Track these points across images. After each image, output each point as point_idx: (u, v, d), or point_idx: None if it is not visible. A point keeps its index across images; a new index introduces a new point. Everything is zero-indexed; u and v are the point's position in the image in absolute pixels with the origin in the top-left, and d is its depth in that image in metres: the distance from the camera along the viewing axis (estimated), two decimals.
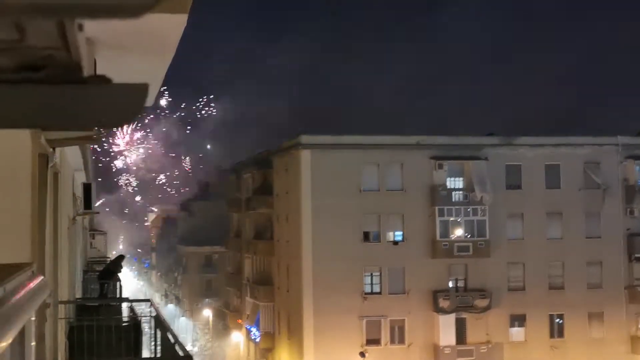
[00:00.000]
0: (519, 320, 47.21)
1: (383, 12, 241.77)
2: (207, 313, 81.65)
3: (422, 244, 46.12)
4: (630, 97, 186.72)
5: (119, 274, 22.30)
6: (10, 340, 2.18)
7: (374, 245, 46.03)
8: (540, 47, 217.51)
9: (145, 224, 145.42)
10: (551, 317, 47.48)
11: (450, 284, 46.81)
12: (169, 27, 5.28)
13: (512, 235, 47.24)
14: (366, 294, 45.82)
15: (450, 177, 46.89)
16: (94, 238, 44.21)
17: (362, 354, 44.56)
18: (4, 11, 1.45)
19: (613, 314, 47.61)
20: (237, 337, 64.11)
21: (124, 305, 17.99)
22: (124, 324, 14.94)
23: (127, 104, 1.99)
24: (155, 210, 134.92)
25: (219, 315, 76.83)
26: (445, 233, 46.27)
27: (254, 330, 55.71)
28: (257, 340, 54.54)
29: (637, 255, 48.25)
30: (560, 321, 47.65)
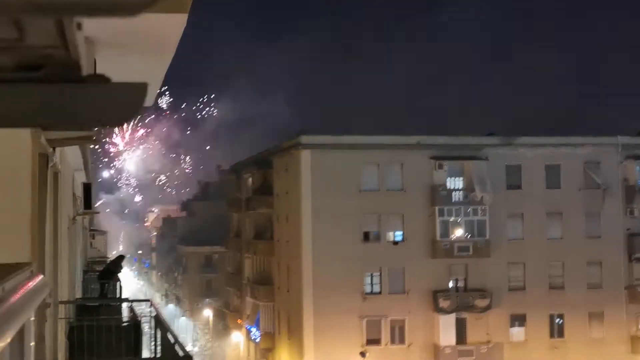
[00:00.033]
0: (519, 320, 47.22)
1: (383, 12, 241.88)
2: (207, 313, 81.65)
3: (422, 244, 46.12)
4: (630, 97, 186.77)
5: (119, 274, 22.29)
6: (9, 340, 2.18)
7: (374, 245, 46.03)
8: (540, 47, 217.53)
9: (146, 224, 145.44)
10: (551, 317, 47.49)
11: (451, 284, 46.82)
12: (168, 27, 5.28)
13: (512, 235, 47.24)
14: (366, 294, 45.82)
15: (451, 177, 46.89)
16: (94, 238, 44.22)
17: (363, 354, 44.56)
18: (3, 9, 1.45)
19: (613, 314, 47.61)
20: (237, 337, 64.11)
21: (124, 305, 17.99)
22: (124, 324, 14.94)
23: (126, 103, 1.99)
24: (156, 210, 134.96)
25: (219, 315, 76.82)
26: (446, 233, 46.27)
27: (254, 330, 55.70)
28: (257, 340, 54.54)
29: (637, 255, 48.25)
30: (561, 321, 47.66)
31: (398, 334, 45.87)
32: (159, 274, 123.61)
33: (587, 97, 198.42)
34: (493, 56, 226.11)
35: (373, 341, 45.47)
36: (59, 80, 1.93)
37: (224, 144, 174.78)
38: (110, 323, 13.98)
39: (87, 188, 20.63)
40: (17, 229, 7.10)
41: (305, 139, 46.43)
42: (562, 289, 47.55)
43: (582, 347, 47.09)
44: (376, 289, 46.11)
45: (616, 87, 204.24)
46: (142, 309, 16.24)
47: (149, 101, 10.94)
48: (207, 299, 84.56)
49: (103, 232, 51.12)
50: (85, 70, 2.17)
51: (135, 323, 14.75)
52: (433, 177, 46.39)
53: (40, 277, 3.16)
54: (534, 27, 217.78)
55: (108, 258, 37.73)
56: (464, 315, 46.15)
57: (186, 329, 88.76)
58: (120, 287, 22.52)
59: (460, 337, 46.15)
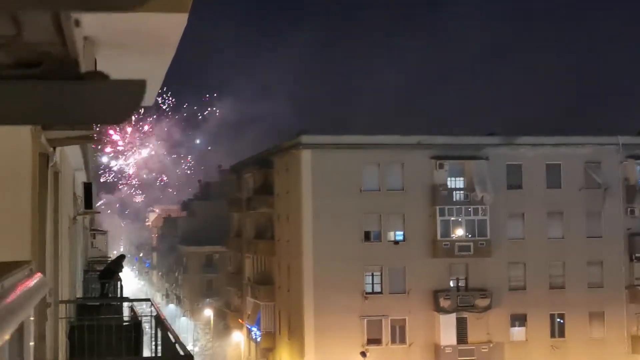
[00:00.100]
0: (519, 319, 47.21)
1: (383, 12, 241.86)
2: (208, 313, 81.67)
3: (422, 244, 46.12)
4: (630, 97, 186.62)
5: (120, 274, 22.30)
6: (7, 337, 2.18)
7: (374, 245, 46.04)
8: (540, 47, 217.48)
9: (146, 223, 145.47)
10: (552, 316, 47.48)
11: (451, 284, 46.81)
12: (169, 27, 5.28)
13: (512, 235, 47.24)
14: (367, 293, 45.82)
15: (451, 176, 46.90)
16: (94, 238, 44.19)
17: (363, 354, 44.55)
18: (1, 4, 1.44)
19: (614, 314, 47.60)
20: (237, 337, 64.12)
21: (125, 304, 18.01)
22: (124, 324, 14.94)
23: (124, 100, 1.98)
24: (156, 210, 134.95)
25: (220, 315, 76.85)
26: (446, 233, 46.28)
27: (254, 330, 55.71)
28: (258, 340, 54.55)
29: (637, 254, 48.24)
30: (561, 321, 47.65)
31: (399, 334, 45.88)
32: (160, 273, 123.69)
33: (587, 97, 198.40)
34: (493, 56, 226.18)
35: (374, 341, 45.48)
36: (57, 77, 1.92)
37: (225, 144, 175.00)
38: (111, 323, 13.99)
39: (87, 188, 20.63)
40: (18, 228, 7.10)
41: (305, 138, 46.44)
42: (563, 289, 47.54)
43: (582, 347, 47.09)
44: (377, 288, 46.11)
45: (616, 87, 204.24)
46: (142, 308, 16.28)
47: (149, 101, 10.94)
48: (208, 299, 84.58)
49: (104, 232, 51.10)
50: (84, 68, 2.17)
51: (136, 323, 14.76)
52: (434, 177, 46.40)
53: (39, 275, 3.16)
54: (534, 27, 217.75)
55: (109, 258, 37.73)
56: (465, 315, 46.15)
57: (187, 329, 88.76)
58: (121, 286, 22.54)
59: (461, 337, 46.15)
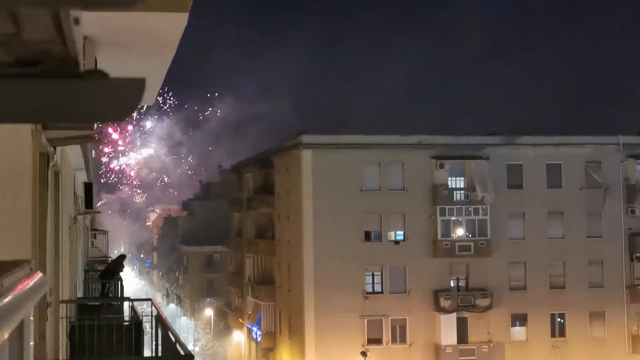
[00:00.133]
0: (520, 319, 47.21)
1: (383, 12, 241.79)
2: (209, 312, 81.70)
3: (423, 244, 46.12)
4: (630, 97, 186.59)
5: (121, 274, 22.30)
6: (6, 336, 2.18)
7: (375, 244, 46.05)
8: (540, 47, 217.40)
9: (147, 223, 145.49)
10: (552, 316, 47.48)
11: (452, 284, 46.81)
12: (169, 27, 5.29)
13: (513, 235, 47.24)
14: (367, 293, 45.82)
15: (452, 176, 46.90)
16: (95, 237, 44.24)
17: (364, 354, 44.54)
18: (1, 2, 1.45)
19: (614, 314, 47.59)
20: (238, 337, 64.14)
21: (125, 304, 18.01)
22: (125, 324, 14.95)
23: (124, 99, 1.99)
24: (157, 210, 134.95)
25: (221, 314, 76.88)
26: (447, 232, 46.28)
27: (255, 329, 55.73)
28: (259, 339, 54.56)
29: (638, 254, 48.24)
30: (562, 321, 47.65)
31: (399, 334, 45.88)
32: (160, 273, 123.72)
33: (587, 97, 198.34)
34: (493, 56, 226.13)
35: (374, 341, 45.48)
36: (57, 76, 1.93)
37: (225, 144, 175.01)
38: (112, 322, 14.00)
39: (88, 187, 20.65)
40: (18, 228, 7.11)
41: (306, 138, 46.44)
42: (563, 289, 47.54)
43: (583, 347, 47.08)
44: (377, 288, 46.12)
45: (616, 87, 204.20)
46: (143, 308, 16.27)
47: (150, 100, 10.95)
48: (209, 299, 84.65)
49: (104, 232, 51.15)
50: (83, 66, 2.18)
51: (136, 322, 14.77)
52: (434, 177, 46.40)
53: (39, 273, 3.16)
54: (534, 27, 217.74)
55: (109, 257, 37.74)
56: (465, 314, 46.15)
57: (187, 329, 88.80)
58: (122, 286, 22.54)
59: (462, 337, 46.15)
